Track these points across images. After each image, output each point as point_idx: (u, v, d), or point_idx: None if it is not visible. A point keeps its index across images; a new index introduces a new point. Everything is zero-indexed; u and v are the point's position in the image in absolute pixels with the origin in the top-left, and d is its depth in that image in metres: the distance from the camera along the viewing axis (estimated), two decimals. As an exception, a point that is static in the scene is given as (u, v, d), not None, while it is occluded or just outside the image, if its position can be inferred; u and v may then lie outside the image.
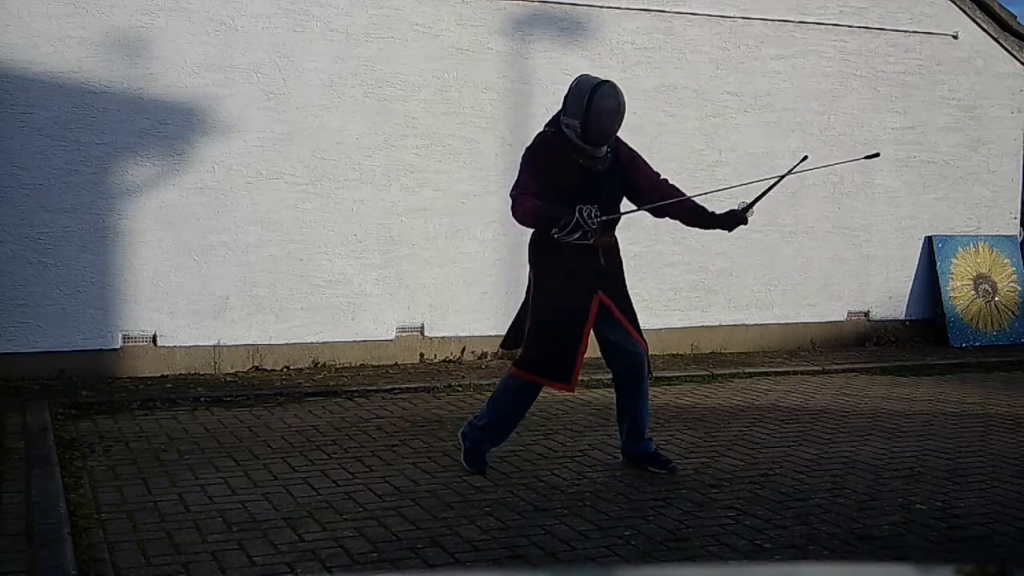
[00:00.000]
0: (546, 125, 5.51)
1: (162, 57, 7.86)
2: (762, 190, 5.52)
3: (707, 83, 9.50)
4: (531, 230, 5.48)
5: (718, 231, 5.69)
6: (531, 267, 5.48)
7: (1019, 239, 10.95)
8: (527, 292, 5.54)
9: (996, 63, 10.61)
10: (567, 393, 5.93)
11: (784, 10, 9.72)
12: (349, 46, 8.35)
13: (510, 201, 5.30)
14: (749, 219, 5.43)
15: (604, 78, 5.34)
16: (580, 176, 5.27)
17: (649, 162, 5.57)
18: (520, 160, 5.41)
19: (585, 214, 5.11)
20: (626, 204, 5.56)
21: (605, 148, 5.35)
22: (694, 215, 5.57)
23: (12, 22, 7.51)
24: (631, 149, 5.52)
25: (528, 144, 5.49)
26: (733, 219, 5.44)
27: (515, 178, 5.37)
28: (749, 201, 5.42)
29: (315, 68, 8.27)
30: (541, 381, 5.43)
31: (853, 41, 10.03)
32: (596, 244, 5.30)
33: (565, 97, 5.35)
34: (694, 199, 5.55)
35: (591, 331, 5.40)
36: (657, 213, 5.58)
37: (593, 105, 5.17)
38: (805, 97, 9.88)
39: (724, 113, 9.56)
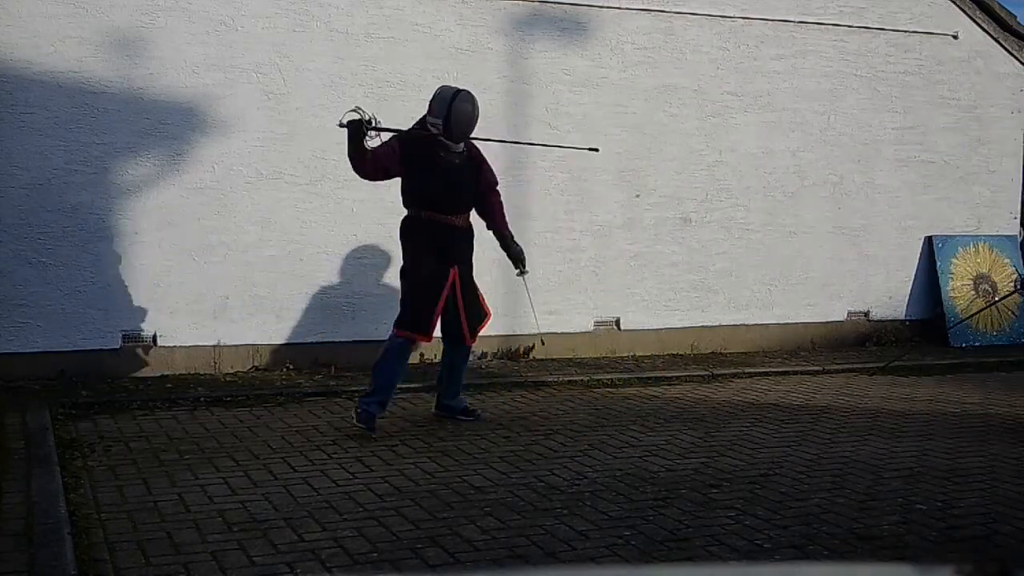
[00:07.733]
0: (415, 125, 6.59)
1: (162, 57, 7.86)
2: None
3: (707, 83, 9.49)
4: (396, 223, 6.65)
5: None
6: (402, 247, 6.63)
7: (1019, 239, 10.95)
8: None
9: (996, 63, 10.60)
10: (425, 343, 6.82)
11: (784, 10, 9.71)
12: (349, 46, 8.35)
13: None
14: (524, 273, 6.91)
15: (461, 87, 6.51)
16: (439, 163, 6.42)
17: (492, 167, 6.84)
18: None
19: (368, 115, 6.21)
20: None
21: (461, 145, 6.49)
22: (497, 237, 6.90)
23: (12, 22, 7.51)
24: (479, 152, 6.70)
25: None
26: (515, 262, 6.89)
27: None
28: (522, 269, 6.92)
29: (315, 68, 8.26)
30: (409, 335, 6.52)
31: (853, 41, 10.02)
32: (451, 223, 6.48)
33: (430, 102, 6.43)
34: (503, 228, 6.84)
35: (448, 295, 6.51)
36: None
37: (453, 109, 6.32)
38: (805, 97, 9.88)
39: (724, 113, 9.55)
